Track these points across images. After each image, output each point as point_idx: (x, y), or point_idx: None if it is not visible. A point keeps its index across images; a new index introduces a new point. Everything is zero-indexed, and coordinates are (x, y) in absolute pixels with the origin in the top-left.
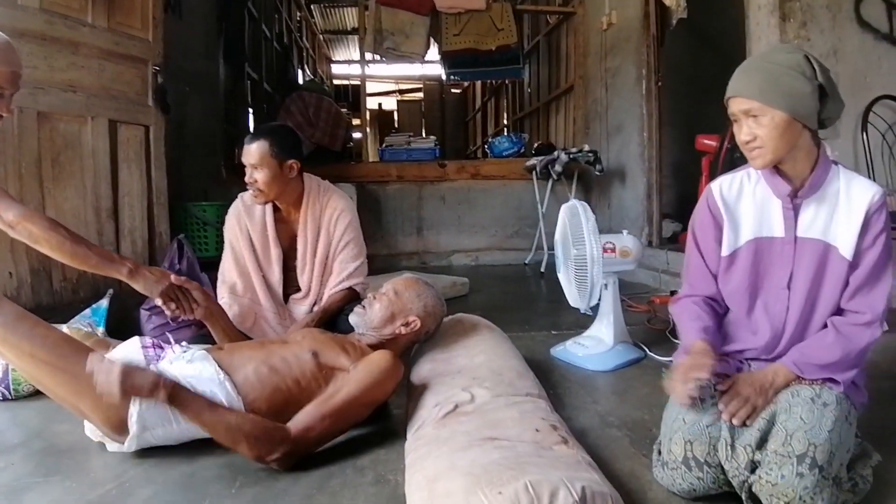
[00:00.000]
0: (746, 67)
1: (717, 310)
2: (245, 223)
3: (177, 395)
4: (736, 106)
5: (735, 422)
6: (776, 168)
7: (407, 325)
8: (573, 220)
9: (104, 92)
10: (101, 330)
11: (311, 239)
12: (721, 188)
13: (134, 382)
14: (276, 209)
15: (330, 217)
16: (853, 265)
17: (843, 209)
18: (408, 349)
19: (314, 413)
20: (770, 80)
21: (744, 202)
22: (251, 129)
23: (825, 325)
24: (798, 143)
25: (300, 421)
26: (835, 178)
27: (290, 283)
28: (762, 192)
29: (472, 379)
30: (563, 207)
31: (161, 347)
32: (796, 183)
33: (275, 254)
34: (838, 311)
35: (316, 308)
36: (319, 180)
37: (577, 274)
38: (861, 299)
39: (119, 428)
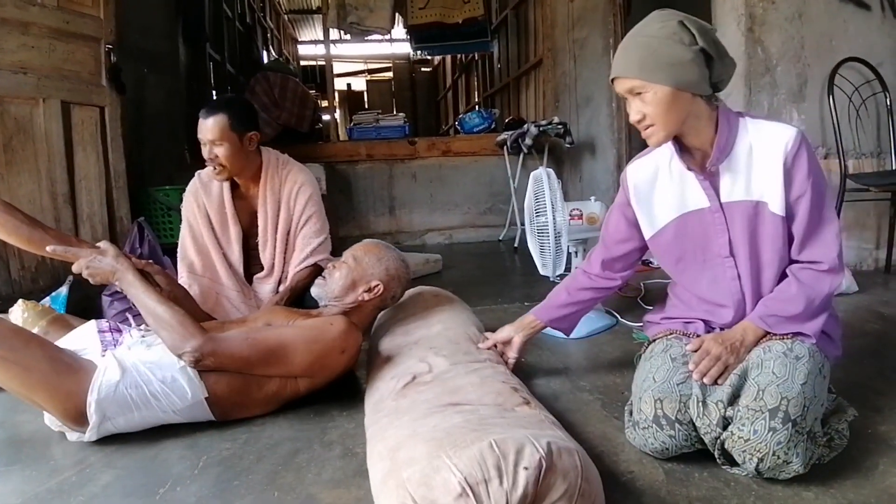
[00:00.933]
0: (624, 45)
1: (605, 281)
2: (202, 201)
3: (123, 278)
4: (620, 87)
5: (706, 381)
6: (680, 142)
7: (370, 290)
8: (538, 187)
9: (56, 72)
10: None
11: (271, 214)
12: (636, 172)
13: (95, 271)
14: (233, 185)
15: (290, 191)
16: (788, 218)
17: (759, 163)
18: (374, 316)
19: (240, 332)
20: (647, 54)
21: (661, 181)
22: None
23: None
24: (693, 112)
25: (223, 332)
26: (744, 134)
27: (254, 262)
28: (678, 167)
29: (429, 349)
30: (531, 175)
31: (119, 331)
32: (705, 150)
33: (234, 231)
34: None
35: (282, 287)
36: (278, 153)
37: (543, 241)
38: (812, 250)
39: (78, 419)
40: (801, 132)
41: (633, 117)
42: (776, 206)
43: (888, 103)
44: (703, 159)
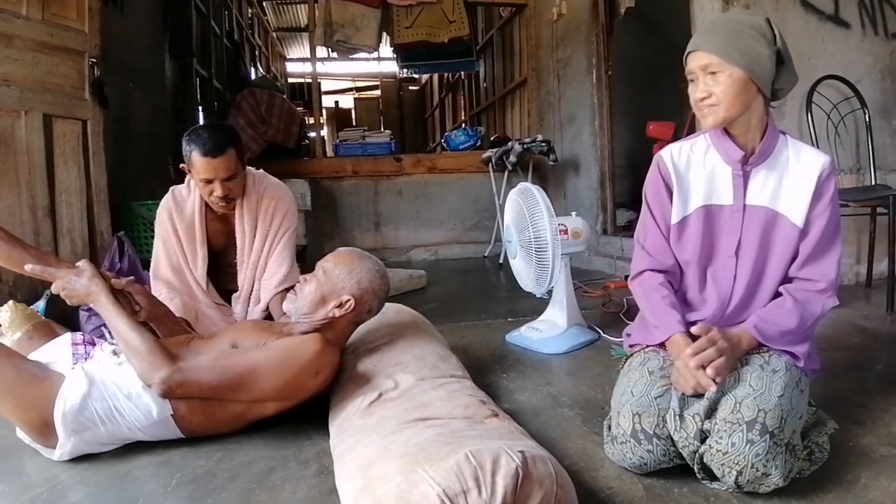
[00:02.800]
0: (708, 25)
1: (675, 285)
2: (175, 219)
3: (97, 301)
4: (695, 62)
5: (709, 372)
6: (727, 133)
7: (340, 306)
8: (529, 201)
9: (39, 85)
10: None
11: (248, 232)
12: (672, 154)
13: (71, 292)
14: (208, 205)
15: (268, 207)
16: (804, 233)
17: (792, 177)
18: (350, 331)
19: (208, 360)
20: (731, 36)
21: (693, 170)
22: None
23: (774, 296)
24: (752, 107)
25: (191, 359)
26: (784, 147)
27: (232, 280)
28: (712, 160)
29: (395, 365)
30: (514, 191)
31: (93, 344)
32: (747, 149)
33: (200, 254)
34: (787, 281)
35: (253, 306)
36: (253, 170)
37: (537, 256)
38: (813, 267)
39: (43, 430)
40: (832, 161)
41: (699, 95)
42: (798, 218)
43: (867, 119)
44: (743, 156)
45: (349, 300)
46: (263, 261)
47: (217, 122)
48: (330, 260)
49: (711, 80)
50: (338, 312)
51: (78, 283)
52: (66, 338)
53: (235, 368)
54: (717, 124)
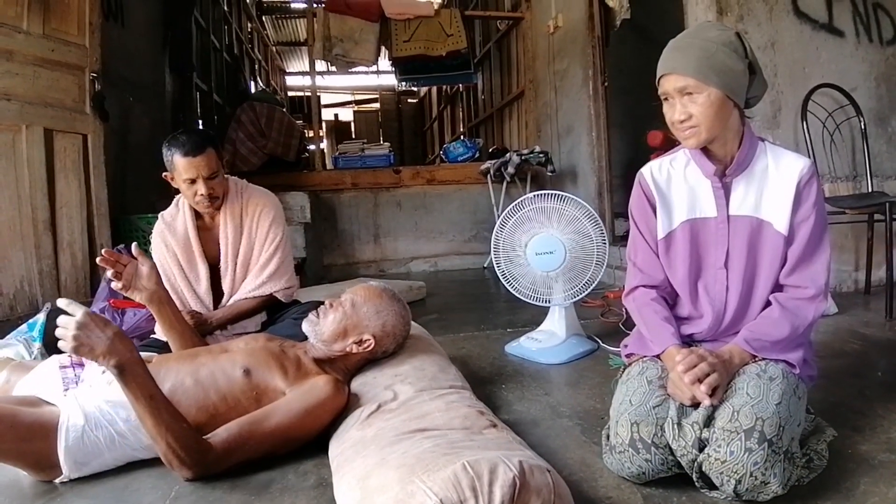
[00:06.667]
0: (679, 44)
1: (668, 301)
2: (170, 241)
3: (124, 372)
4: (670, 84)
5: (703, 388)
6: (704, 148)
7: (360, 343)
8: (573, 204)
9: (39, 100)
10: (37, 345)
11: (231, 240)
12: (651, 171)
13: (87, 343)
14: (197, 217)
15: (253, 215)
16: (789, 240)
17: (773, 184)
18: (360, 367)
19: (238, 437)
20: (705, 56)
21: (675, 185)
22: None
23: (766, 304)
24: (728, 122)
25: (222, 441)
26: (762, 155)
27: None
28: (693, 175)
29: (394, 376)
30: (535, 200)
31: (81, 365)
32: (725, 162)
33: (202, 269)
34: (779, 289)
35: (232, 298)
36: (236, 179)
37: (597, 255)
38: (801, 274)
39: (49, 471)
40: (814, 164)
41: (677, 117)
42: (781, 225)
43: (862, 127)
44: (721, 171)
45: (370, 341)
46: (253, 268)
47: (199, 129)
48: (360, 294)
49: (689, 100)
50: (355, 349)
51: (99, 336)
52: (53, 361)
53: (264, 441)
54: (699, 145)
